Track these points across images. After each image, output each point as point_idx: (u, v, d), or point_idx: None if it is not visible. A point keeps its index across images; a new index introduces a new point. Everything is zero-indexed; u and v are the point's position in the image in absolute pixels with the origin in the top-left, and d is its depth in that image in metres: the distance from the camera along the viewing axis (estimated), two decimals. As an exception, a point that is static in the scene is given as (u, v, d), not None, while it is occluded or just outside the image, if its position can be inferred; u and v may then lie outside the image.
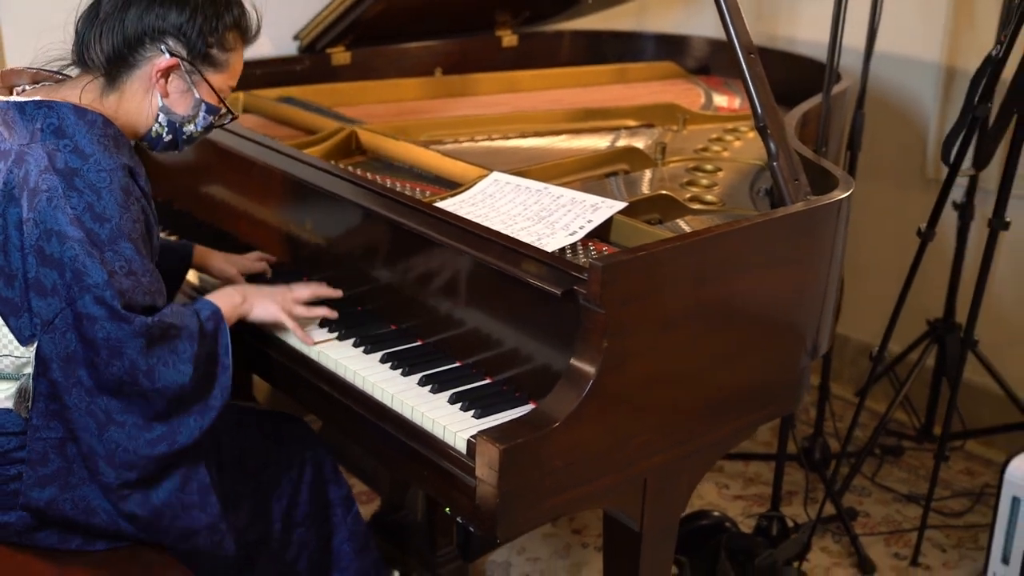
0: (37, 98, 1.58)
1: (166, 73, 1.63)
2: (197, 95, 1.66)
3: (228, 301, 1.72)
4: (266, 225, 2.08)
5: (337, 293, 1.84)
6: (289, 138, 2.26)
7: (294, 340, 1.79)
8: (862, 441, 3.02)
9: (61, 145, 1.54)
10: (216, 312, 1.66)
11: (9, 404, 1.61)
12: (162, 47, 1.61)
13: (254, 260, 2.01)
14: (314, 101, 2.55)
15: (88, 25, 1.62)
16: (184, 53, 1.62)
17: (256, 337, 1.84)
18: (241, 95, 2.55)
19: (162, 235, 2.17)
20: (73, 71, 1.68)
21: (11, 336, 1.58)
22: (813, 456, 2.89)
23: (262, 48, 2.76)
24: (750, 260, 1.63)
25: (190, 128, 1.69)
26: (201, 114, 1.69)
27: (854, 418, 2.62)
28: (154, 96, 1.64)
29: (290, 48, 2.80)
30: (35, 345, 1.55)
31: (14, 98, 1.58)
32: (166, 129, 1.67)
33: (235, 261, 1.99)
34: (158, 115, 1.65)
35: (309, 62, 2.73)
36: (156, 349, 1.55)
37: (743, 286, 1.63)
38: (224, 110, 1.72)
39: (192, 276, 2.02)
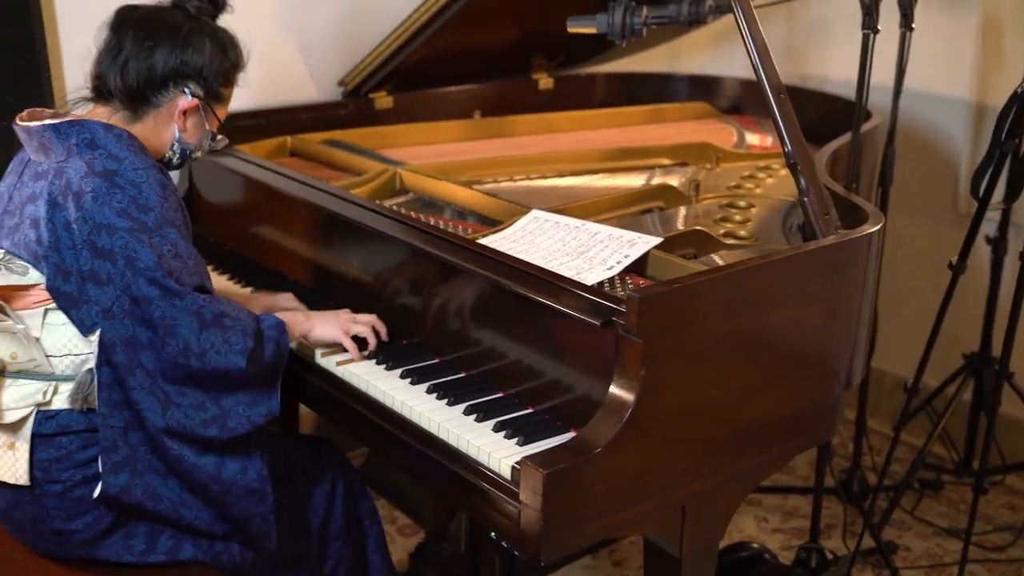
0: (70, 118, 1.73)
1: (185, 112, 1.81)
2: (207, 128, 1.86)
3: (293, 318, 1.87)
4: (314, 263, 2.17)
5: (385, 335, 1.93)
6: (335, 179, 2.35)
7: (345, 373, 1.86)
8: (901, 475, 3.03)
9: (96, 154, 1.69)
10: (279, 323, 1.78)
11: (69, 404, 1.71)
12: (185, 89, 1.79)
13: (287, 298, 2.09)
14: (358, 143, 2.64)
15: (110, 62, 1.77)
16: (202, 94, 1.81)
17: (310, 371, 1.91)
18: (288, 139, 2.65)
19: (213, 274, 2.27)
20: (82, 110, 1.81)
21: (72, 333, 1.69)
22: (851, 489, 2.90)
23: (308, 94, 2.89)
24: (782, 292, 1.68)
25: (197, 154, 1.90)
26: (207, 142, 1.88)
27: (889, 451, 2.65)
28: (172, 129, 1.82)
29: (335, 93, 2.91)
30: (96, 336, 1.66)
31: (49, 121, 1.72)
32: (178, 156, 1.86)
33: (268, 300, 2.09)
34: (173, 144, 1.84)
35: (353, 106, 2.83)
36: (209, 334, 1.66)
37: (775, 318, 1.68)
38: (222, 136, 1.91)
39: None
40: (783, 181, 2.45)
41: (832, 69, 3.44)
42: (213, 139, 1.89)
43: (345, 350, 1.88)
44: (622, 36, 2.20)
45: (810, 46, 3.54)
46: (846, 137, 2.43)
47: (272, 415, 1.75)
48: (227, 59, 1.84)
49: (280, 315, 1.84)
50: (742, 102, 3.21)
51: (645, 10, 2.18)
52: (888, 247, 2.69)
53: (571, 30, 2.24)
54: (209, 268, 2.23)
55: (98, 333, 1.66)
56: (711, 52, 3.68)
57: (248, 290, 2.21)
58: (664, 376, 1.54)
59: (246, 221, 2.37)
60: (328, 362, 1.90)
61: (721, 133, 2.95)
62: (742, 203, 2.29)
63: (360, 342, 1.90)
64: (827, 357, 1.80)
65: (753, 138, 2.91)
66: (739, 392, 1.67)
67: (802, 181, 1.82)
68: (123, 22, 1.79)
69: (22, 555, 1.79)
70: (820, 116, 2.81)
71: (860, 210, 1.93)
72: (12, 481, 1.73)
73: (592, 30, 2.21)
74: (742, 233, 2.09)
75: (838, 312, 1.79)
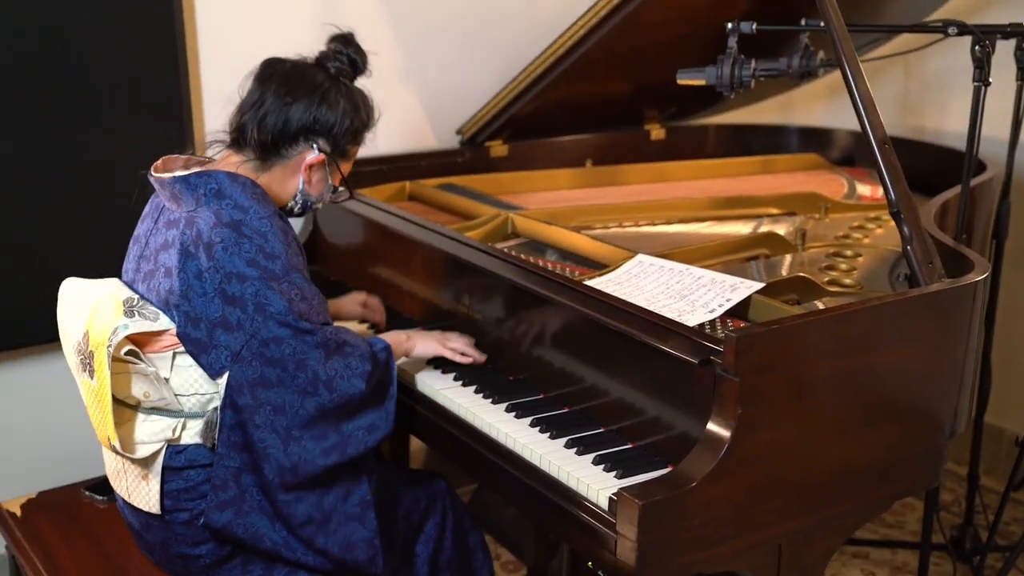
0: (198, 170, 1.84)
1: (311, 166, 1.90)
2: (330, 182, 1.95)
3: (395, 338, 1.99)
4: (428, 301, 2.27)
5: (482, 359, 2.06)
6: (450, 222, 2.46)
7: (453, 404, 1.94)
8: (1018, 535, 2.95)
9: (223, 204, 1.79)
10: (387, 347, 1.89)
11: (198, 439, 1.83)
12: (314, 145, 1.88)
13: (366, 295, 2.30)
14: (473, 188, 2.75)
15: (252, 113, 1.86)
16: (329, 150, 1.90)
17: (419, 401, 2.01)
18: (407, 184, 2.78)
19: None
20: (216, 155, 1.94)
21: (198, 375, 1.79)
22: (963, 547, 2.84)
23: (427, 142, 3.02)
24: (881, 337, 1.70)
25: (318, 204, 1.99)
26: (328, 194, 1.97)
27: (1000, 507, 2.59)
28: (296, 181, 1.91)
29: (453, 142, 3.03)
30: (224, 378, 1.75)
31: (179, 173, 1.84)
32: (299, 205, 1.95)
33: (352, 298, 2.31)
34: (296, 195, 1.93)
35: (470, 154, 2.95)
36: (333, 362, 1.77)
37: (874, 362, 1.70)
38: (343, 189, 2.00)
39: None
40: (892, 232, 2.45)
41: (949, 122, 3.41)
42: (334, 191, 1.97)
43: (445, 370, 2.03)
44: (730, 88, 2.26)
45: (927, 99, 3.52)
46: (957, 189, 2.42)
47: (387, 434, 1.85)
48: (358, 119, 1.91)
49: (384, 335, 1.97)
50: (854, 154, 3.22)
51: (754, 62, 2.24)
52: (1004, 301, 2.65)
53: (681, 82, 2.31)
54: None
55: (226, 376, 1.75)
56: (825, 105, 3.69)
57: (370, 331, 2.32)
58: (760, 415, 1.58)
59: (366, 261, 2.49)
60: (430, 388, 2.01)
61: (831, 184, 2.96)
62: (849, 252, 2.30)
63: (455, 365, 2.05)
64: (928, 404, 1.80)
65: (864, 189, 2.91)
66: (836, 434, 1.69)
67: (906, 229, 1.84)
68: (268, 76, 1.88)
69: (153, 572, 1.92)
70: (934, 168, 2.81)
71: (967, 260, 1.94)
72: (146, 509, 1.85)
73: (701, 82, 2.28)
74: (847, 281, 2.11)
75: (940, 360, 1.80)
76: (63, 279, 1.93)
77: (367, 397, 1.81)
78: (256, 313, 1.73)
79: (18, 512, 2.11)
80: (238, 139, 1.89)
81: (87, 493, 2.19)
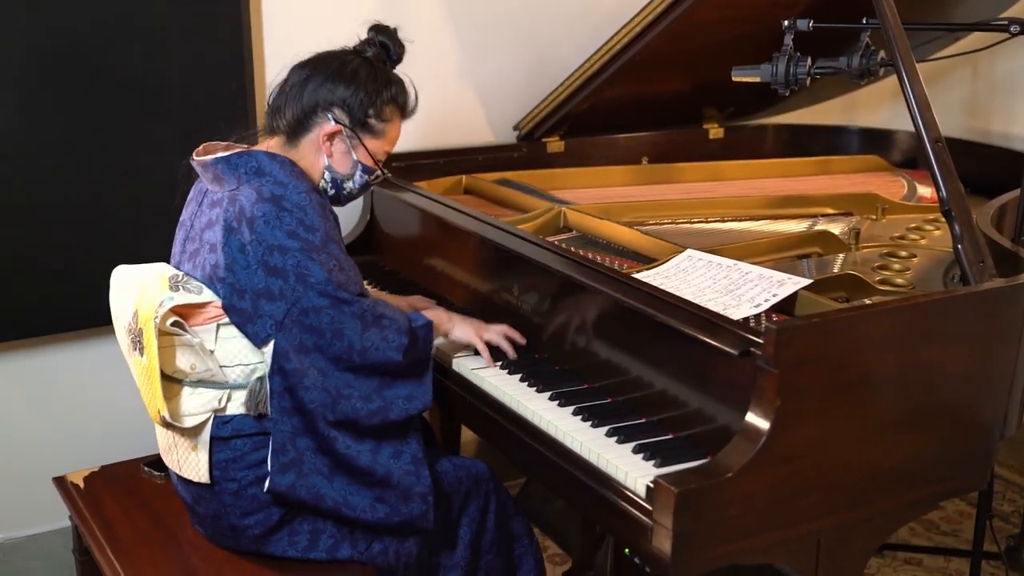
0: (238, 150, 1.92)
1: (331, 136, 1.94)
2: (355, 157, 1.97)
3: (438, 317, 2.06)
4: (478, 292, 2.30)
5: (522, 340, 2.09)
6: (504, 215, 2.49)
7: (498, 392, 1.97)
8: (1076, 548, 2.88)
9: (264, 181, 1.86)
10: (428, 324, 1.94)
11: (243, 409, 1.89)
12: (329, 115, 1.93)
13: (419, 299, 2.29)
14: (528, 184, 2.78)
15: (278, 98, 1.97)
16: (347, 121, 1.94)
17: (467, 390, 2.05)
18: (464, 177, 2.82)
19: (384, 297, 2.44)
20: (260, 139, 2.00)
21: (242, 344, 1.86)
22: (1018, 556, 2.79)
23: (485, 137, 3.06)
24: (928, 335, 1.69)
25: (349, 185, 2.00)
26: (358, 173, 1.99)
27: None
28: (321, 156, 1.95)
29: (510, 137, 3.06)
30: (270, 346, 1.81)
31: (221, 154, 1.91)
32: (330, 185, 1.99)
33: (407, 300, 2.28)
34: (324, 172, 1.97)
35: (526, 149, 2.97)
36: (370, 333, 1.83)
37: (919, 359, 1.69)
38: (377, 171, 2.01)
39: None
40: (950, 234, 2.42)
41: (1017, 125, 3.35)
42: (368, 173, 1.99)
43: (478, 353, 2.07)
44: (785, 85, 2.24)
45: (995, 102, 3.46)
46: (1017, 191, 2.38)
47: (426, 406, 1.91)
48: (377, 93, 1.94)
49: (427, 313, 2.01)
50: (916, 156, 3.17)
51: (810, 60, 2.23)
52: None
53: (735, 79, 2.30)
54: (384, 294, 2.44)
55: (271, 344, 1.82)
56: (890, 106, 3.64)
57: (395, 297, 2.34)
58: (800, 408, 1.58)
59: (419, 252, 2.54)
60: (462, 367, 2.07)
61: (891, 185, 2.93)
62: (903, 253, 2.29)
63: (497, 352, 2.07)
64: (975, 404, 1.78)
65: (925, 191, 2.87)
66: (878, 431, 1.68)
67: (957, 228, 1.83)
68: (299, 64, 1.98)
69: (205, 545, 1.98)
70: (1000, 172, 2.77)
71: (1022, 262, 1.91)
72: (196, 479, 1.92)
73: (756, 79, 2.27)
74: (899, 281, 2.09)
75: (989, 360, 1.78)
76: (125, 263, 1.99)
77: (405, 368, 1.87)
78: (298, 283, 1.80)
79: (82, 484, 2.20)
80: (270, 123, 1.98)
81: (146, 469, 2.26)
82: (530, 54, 3.08)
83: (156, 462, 2.27)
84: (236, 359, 1.88)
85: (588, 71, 2.75)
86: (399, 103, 2.00)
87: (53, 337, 2.66)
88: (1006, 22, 2.20)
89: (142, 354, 1.87)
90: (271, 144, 1.96)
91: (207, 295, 1.87)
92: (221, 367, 1.88)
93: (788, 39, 2.22)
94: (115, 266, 2.00)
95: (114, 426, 2.74)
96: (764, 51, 2.24)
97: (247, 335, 1.85)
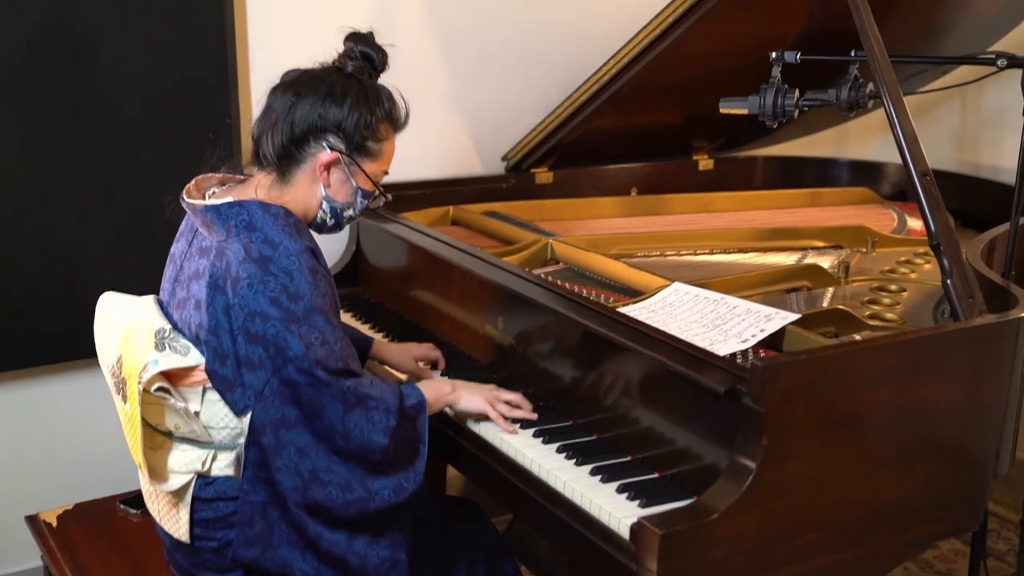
0: (229, 199, 1.79)
1: (328, 166, 1.81)
2: (354, 183, 1.84)
3: (438, 389, 1.90)
4: (463, 325, 2.27)
5: (533, 415, 1.94)
6: (490, 247, 2.46)
7: (480, 429, 1.94)
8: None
9: (253, 237, 1.74)
10: (421, 401, 1.82)
11: (230, 471, 1.82)
12: (324, 143, 1.80)
13: (428, 348, 2.18)
14: (517, 215, 2.76)
15: (261, 127, 1.81)
16: (343, 147, 1.80)
17: (449, 426, 2.01)
18: (451, 209, 2.79)
19: (369, 331, 2.41)
20: (251, 170, 1.89)
21: (227, 409, 1.78)
22: (1012, 596, 2.74)
23: (473, 168, 3.04)
24: (917, 371, 1.66)
25: (349, 212, 1.88)
26: (358, 199, 1.87)
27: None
28: (318, 187, 1.83)
29: (498, 168, 3.04)
30: (248, 416, 1.74)
31: (211, 201, 1.81)
32: (329, 215, 1.86)
33: (410, 350, 2.17)
34: (322, 203, 1.84)
35: (515, 180, 2.95)
36: (352, 415, 1.72)
37: (908, 396, 1.66)
38: (377, 193, 1.89)
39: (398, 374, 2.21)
40: (941, 267, 2.40)
41: (1006, 158, 3.34)
42: (367, 196, 1.87)
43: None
44: (773, 117, 2.22)
45: (984, 134, 3.46)
46: (1007, 225, 2.36)
47: (414, 494, 1.78)
48: (371, 112, 1.80)
49: (425, 385, 1.89)
50: (906, 188, 3.15)
51: (798, 92, 2.21)
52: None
53: (723, 111, 2.28)
54: (367, 327, 2.41)
55: (249, 415, 1.74)
56: (881, 138, 3.64)
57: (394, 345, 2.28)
58: (787, 446, 1.55)
59: (404, 284, 2.50)
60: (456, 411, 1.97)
61: (881, 218, 2.91)
62: (893, 287, 2.26)
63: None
64: (966, 443, 1.75)
65: (915, 224, 2.85)
66: (868, 470, 1.65)
67: (945, 263, 1.81)
68: (278, 85, 1.83)
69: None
70: (990, 205, 2.75)
71: (1010, 296, 1.89)
72: (176, 536, 1.85)
73: (743, 111, 2.25)
74: (889, 316, 2.07)
75: (980, 397, 1.75)
76: (92, 299, 1.93)
77: (394, 453, 1.75)
78: (277, 355, 1.71)
79: (54, 523, 2.15)
80: (257, 154, 1.84)
81: (122, 506, 2.22)
82: (519, 83, 3.07)
83: (134, 499, 2.23)
84: (223, 421, 1.80)
85: (576, 101, 2.73)
86: (393, 118, 1.86)
87: (28, 371, 2.61)
88: (993, 56, 2.19)
89: (125, 401, 1.81)
90: (262, 182, 1.82)
91: (193, 356, 1.78)
92: (207, 428, 1.81)
93: (776, 71, 2.21)
94: (93, 298, 1.95)
95: (92, 460, 2.68)
96: (755, 83, 2.23)
97: (227, 403, 1.77)
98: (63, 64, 2.45)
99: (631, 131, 2.94)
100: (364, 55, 1.84)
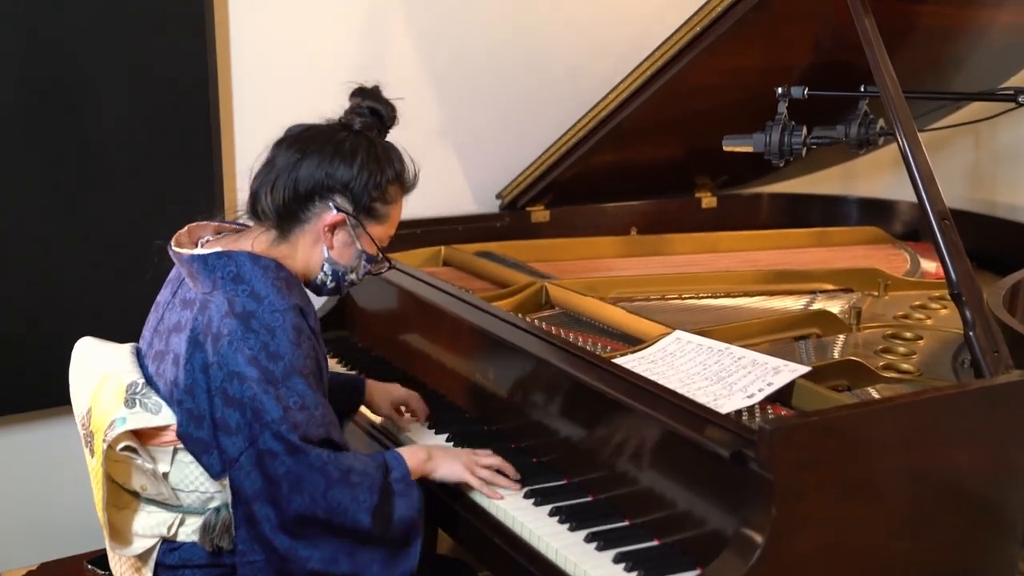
0: (217, 249, 1.70)
1: (333, 227, 1.72)
2: (359, 246, 1.75)
3: (412, 457, 1.75)
4: (452, 373, 2.15)
5: (516, 484, 1.79)
6: (483, 290, 2.36)
7: (467, 488, 1.81)
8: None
9: (239, 290, 1.64)
10: (406, 475, 1.69)
11: (195, 538, 1.71)
12: (330, 203, 1.70)
13: (411, 396, 2.05)
14: (511, 256, 2.66)
15: (261, 181, 1.72)
16: (350, 208, 1.71)
17: (433, 483, 1.88)
18: (443, 249, 2.69)
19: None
20: (250, 221, 1.79)
21: (199, 471, 1.67)
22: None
23: (466, 205, 2.94)
24: (939, 433, 1.54)
25: (351, 276, 1.78)
26: (362, 263, 1.77)
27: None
28: (320, 248, 1.73)
29: (493, 206, 2.94)
30: (226, 479, 1.64)
31: (198, 251, 1.71)
32: (330, 278, 1.76)
33: (391, 392, 2.05)
34: (323, 265, 1.75)
35: (509, 219, 2.86)
36: (335, 491, 1.60)
37: (930, 459, 1.53)
38: (381, 258, 1.80)
39: (372, 415, 2.10)
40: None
41: (1023, 196, 3.23)
42: (371, 261, 1.78)
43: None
44: (780, 156, 2.12)
45: (999, 172, 3.34)
46: (1027, 270, 2.25)
47: (414, 566, 1.67)
48: (381, 172, 1.72)
49: (403, 451, 1.76)
50: (919, 228, 3.05)
51: (806, 129, 2.11)
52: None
53: (727, 149, 2.18)
54: (352, 374, 2.30)
55: (228, 479, 1.63)
56: (891, 175, 3.53)
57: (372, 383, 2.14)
58: (797, 517, 1.42)
59: (392, 328, 2.39)
60: None
61: (893, 259, 2.79)
62: (908, 334, 2.15)
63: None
64: (994, 508, 1.62)
65: (929, 266, 2.74)
66: (884, 540, 1.51)
67: (968, 314, 1.69)
68: (281, 139, 1.75)
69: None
70: (1007, 246, 2.66)
71: (1038, 348, 1.76)
72: None
73: (748, 149, 2.15)
74: (905, 366, 1.95)
75: (1008, 460, 1.62)
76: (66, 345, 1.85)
77: (380, 531, 1.63)
78: (253, 419, 1.60)
79: (16, 583, 2.03)
80: (254, 209, 1.74)
81: (89, 567, 2.10)
82: (515, 118, 2.99)
83: (102, 558, 2.10)
84: (193, 484, 1.69)
85: (574, 137, 2.65)
86: (402, 180, 1.77)
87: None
88: (1012, 91, 2.09)
89: (92, 455, 1.71)
90: (260, 238, 1.73)
91: (165, 415, 1.67)
92: (176, 490, 1.70)
93: (782, 107, 2.11)
94: (66, 347, 1.85)
95: (60, 515, 2.55)
96: (759, 117, 2.14)
97: (203, 465, 1.66)
98: (39, 103, 2.38)
99: (631, 168, 2.85)
100: (372, 111, 1.76)
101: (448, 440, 1.98)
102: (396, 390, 2.07)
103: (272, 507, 1.60)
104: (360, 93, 1.78)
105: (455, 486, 1.80)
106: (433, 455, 1.78)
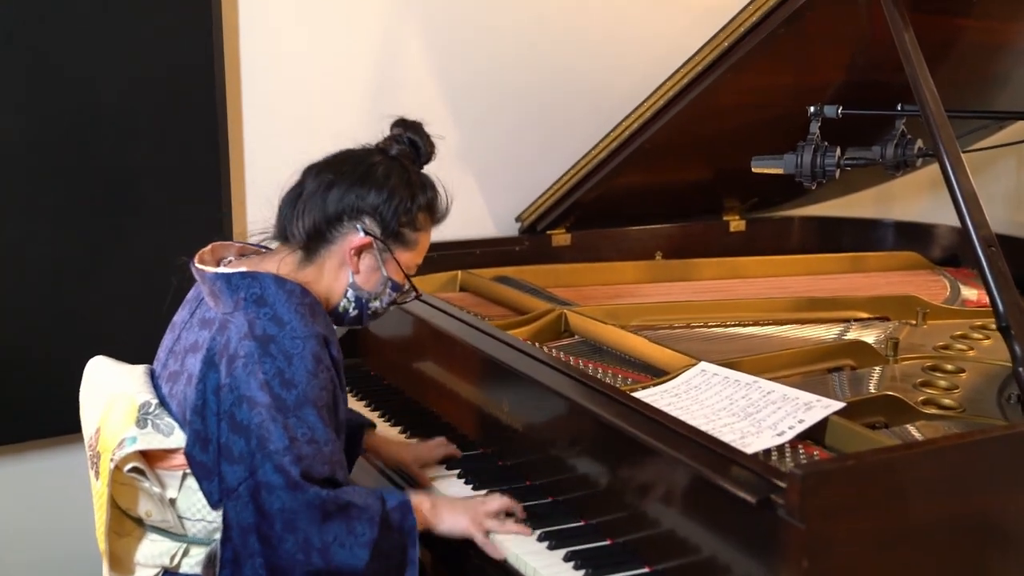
0: (243, 269, 1.65)
1: (359, 250, 1.68)
2: (384, 273, 1.71)
3: (415, 505, 1.65)
4: (466, 404, 2.07)
5: (528, 530, 1.69)
6: (500, 317, 2.29)
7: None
8: None
9: (261, 313, 1.60)
10: (404, 503, 1.62)
11: (198, 570, 1.64)
12: (358, 225, 1.67)
13: (434, 447, 1.95)
14: (530, 281, 2.58)
15: (291, 203, 1.70)
16: (378, 232, 1.68)
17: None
18: (460, 273, 2.62)
19: (364, 408, 2.21)
20: (273, 244, 1.76)
21: (204, 499, 1.61)
22: None
23: (484, 229, 2.86)
24: (986, 478, 1.43)
25: (375, 304, 1.74)
26: (387, 291, 1.73)
27: None
28: (346, 272, 1.69)
29: (512, 229, 2.87)
30: (220, 511, 1.57)
31: (222, 270, 1.66)
32: (353, 304, 1.72)
33: (412, 450, 1.95)
34: (347, 291, 1.70)
35: (529, 243, 2.79)
36: (331, 525, 1.53)
37: (977, 507, 1.43)
38: (408, 287, 1.76)
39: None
40: (1003, 343, 2.16)
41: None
42: (396, 289, 1.74)
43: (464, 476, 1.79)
44: (812, 178, 2.03)
45: (1043, 194, 3.23)
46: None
47: None
48: (412, 199, 1.70)
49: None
50: (959, 252, 2.94)
51: (839, 150, 2.02)
52: None
53: (756, 170, 2.09)
54: (362, 404, 2.22)
55: (221, 511, 1.57)
56: (929, 198, 3.42)
57: (400, 435, 2.10)
58: (831, 568, 1.32)
59: (405, 355, 2.32)
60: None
61: (932, 286, 2.68)
62: (950, 367, 2.04)
63: None
64: (1045, 561, 1.50)
65: (970, 293, 2.62)
66: (928, 596, 1.40)
67: (1017, 348, 1.58)
68: (316, 162, 1.73)
69: None
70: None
71: (1093, 386, 1.64)
72: None
73: (778, 171, 2.06)
74: (946, 402, 1.84)
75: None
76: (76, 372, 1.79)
77: (376, 569, 1.55)
78: (257, 448, 1.53)
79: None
80: (283, 230, 1.72)
81: (85, 602, 2.02)
82: (535, 138, 2.91)
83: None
84: (199, 513, 1.63)
85: (596, 158, 2.56)
86: (433, 209, 1.75)
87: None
88: (1060, 109, 1.98)
89: (97, 478, 1.66)
90: (286, 259, 1.69)
91: (177, 438, 1.61)
92: (181, 519, 1.63)
93: (815, 127, 2.03)
94: (75, 374, 1.79)
95: (63, 549, 2.49)
96: (790, 138, 2.05)
97: (203, 491, 1.60)
98: (47, 133, 2.34)
99: (656, 189, 2.76)
100: (412, 142, 1.75)
101: (460, 477, 1.88)
102: (417, 449, 1.95)
103: (261, 544, 1.53)
104: (402, 124, 1.76)
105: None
106: (437, 505, 1.69)
